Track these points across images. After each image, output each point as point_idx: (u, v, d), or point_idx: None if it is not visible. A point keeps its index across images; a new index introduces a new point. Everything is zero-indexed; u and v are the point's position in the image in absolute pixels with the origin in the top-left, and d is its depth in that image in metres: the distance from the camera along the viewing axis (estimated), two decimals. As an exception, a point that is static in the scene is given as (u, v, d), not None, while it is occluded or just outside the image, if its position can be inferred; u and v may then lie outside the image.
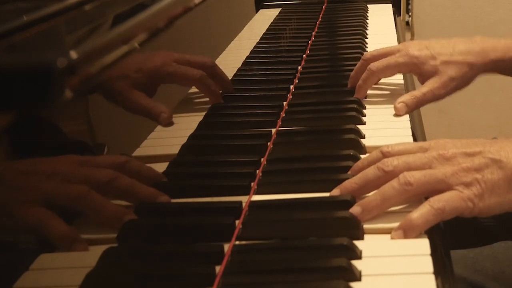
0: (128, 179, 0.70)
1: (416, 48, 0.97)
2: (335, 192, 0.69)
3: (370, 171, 0.68)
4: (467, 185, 0.64)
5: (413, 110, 0.93)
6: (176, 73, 0.98)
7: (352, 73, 1.02)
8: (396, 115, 0.92)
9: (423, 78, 0.97)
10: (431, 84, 0.94)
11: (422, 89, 0.94)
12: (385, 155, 0.70)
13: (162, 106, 0.92)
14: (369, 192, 0.68)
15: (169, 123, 0.92)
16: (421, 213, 0.62)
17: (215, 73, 1.02)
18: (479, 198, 0.64)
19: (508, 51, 0.96)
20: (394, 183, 0.65)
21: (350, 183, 0.69)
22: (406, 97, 0.93)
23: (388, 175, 0.67)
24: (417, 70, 0.97)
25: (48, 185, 0.65)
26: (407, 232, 0.62)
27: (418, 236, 0.62)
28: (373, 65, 0.97)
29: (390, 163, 0.68)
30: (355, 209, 0.65)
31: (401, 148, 0.71)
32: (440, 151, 0.68)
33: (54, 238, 0.63)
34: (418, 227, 0.62)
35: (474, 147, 0.67)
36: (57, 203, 0.65)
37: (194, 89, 1.07)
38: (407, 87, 1.05)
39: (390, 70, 0.98)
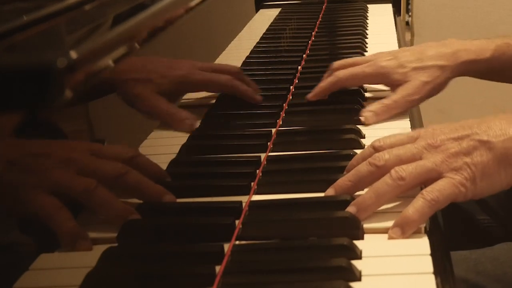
0: (137, 175, 0.70)
1: (384, 59, 0.95)
2: (330, 191, 0.69)
3: (363, 167, 0.68)
4: (458, 170, 0.65)
5: (383, 119, 0.90)
6: (204, 80, 0.98)
7: (321, 84, 0.98)
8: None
9: (393, 88, 0.94)
10: (402, 91, 0.91)
11: (393, 97, 0.91)
12: (376, 149, 0.71)
13: (185, 112, 0.91)
14: (363, 188, 0.68)
15: (192, 129, 0.91)
16: (415, 208, 0.62)
17: (241, 79, 1.00)
18: (471, 181, 0.64)
19: (481, 52, 0.94)
20: (386, 179, 0.65)
21: (344, 181, 0.69)
22: (376, 106, 0.90)
23: (381, 170, 0.67)
24: (385, 81, 0.95)
25: (57, 173, 0.65)
26: (404, 228, 0.62)
27: (418, 235, 0.62)
28: (340, 72, 0.95)
29: (381, 158, 0.68)
30: (350, 209, 0.65)
31: (392, 141, 0.71)
32: (428, 140, 0.68)
33: (59, 231, 0.63)
34: (415, 222, 0.62)
35: (461, 131, 0.68)
36: (64, 193, 0.65)
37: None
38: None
39: (356, 80, 0.97)
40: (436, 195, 0.63)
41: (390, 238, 0.62)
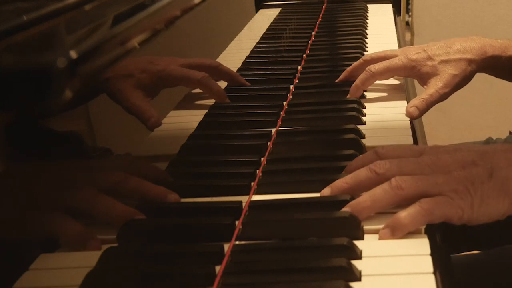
0: (136, 180, 0.70)
1: (413, 52, 0.99)
2: (326, 191, 0.69)
3: (362, 172, 0.68)
4: (458, 193, 0.64)
5: (424, 113, 0.93)
6: (179, 75, 1.00)
7: (349, 68, 1.04)
8: (410, 116, 0.92)
9: (423, 80, 0.98)
10: (434, 85, 0.95)
11: (427, 91, 0.95)
12: (379, 156, 0.70)
13: (153, 110, 0.93)
14: (360, 192, 0.67)
15: (156, 127, 0.93)
16: (409, 213, 0.62)
17: (221, 72, 1.04)
18: (469, 206, 0.63)
19: (505, 49, 0.97)
20: (385, 186, 0.65)
21: (342, 182, 0.69)
22: (416, 101, 0.93)
23: (380, 178, 0.66)
24: (415, 73, 0.99)
25: (59, 192, 0.66)
26: (394, 230, 0.61)
27: (418, 236, 0.62)
28: (373, 67, 0.99)
29: (382, 166, 0.67)
30: (345, 210, 0.65)
31: (395, 151, 0.71)
32: (432, 158, 0.67)
33: (68, 239, 0.64)
34: (406, 226, 0.62)
35: (467, 156, 0.67)
36: (67, 208, 0.65)
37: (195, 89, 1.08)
38: (407, 87, 1.05)
39: (389, 73, 1.00)
40: (433, 207, 0.62)
41: (380, 238, 0.62)
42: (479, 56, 0.97)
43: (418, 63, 0.98)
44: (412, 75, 1.01)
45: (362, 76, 0.99)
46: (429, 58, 0.97)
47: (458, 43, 0.98)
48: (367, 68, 0.99)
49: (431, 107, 0.94)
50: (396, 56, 1.00)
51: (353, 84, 0.99)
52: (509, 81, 1.03)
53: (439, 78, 0.95)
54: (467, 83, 0.98)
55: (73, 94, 0.59)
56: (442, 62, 0.96)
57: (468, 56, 0.96)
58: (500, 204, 0.65)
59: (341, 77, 1.06)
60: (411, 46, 1.04)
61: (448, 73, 0.95)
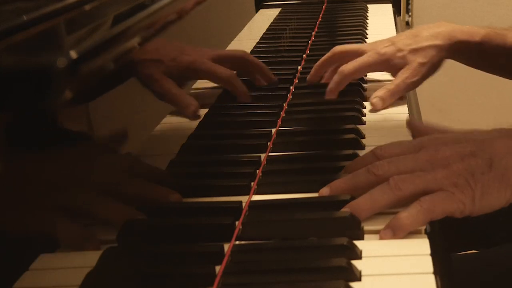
0: (137, 182, 0.70)
1: (383, 46, 0.99)
2: (325, 191, 0.69)
3: (361, 174, 0.68)
4: (458, 187, 0.63)
5: (388, 103, 0.94)
6: (207, 70, 1.00)
7: (318, 63, 1.04)
8: (373, 110, 0.93)
9: (395, 73, 0.98)
10: (402, 74, 0.95)
11: (394, 81, 0.96)
12: (377, 156, 0.70)
13: (191, 98, 0.93)
14: (358, 193, 0.67)
15: (196, 116, 0.93)
16: (410, 213, 0.62)
17: (249, 63, 1.04)
18: (470, 199, 0.63)
19: (473, 35, 0.97)
20: (384, 187, 0.65)
21: (340, 183, 0.69)
22: (381, 92, 0.94)
23: (379, 179, 0.66)
24: (387, 67, 0.99)
25: (59, 192, 0.66)
26: (396, 231, 0.61)
27: (418, 236, 0.62)
28: (345, 68, 0.97)
29: (381, 167, 0.67)
30: (345, 210, 0.65)
31: (393, 150, 0.70)
32: (431, 152, 0.67)
33: (65, 240, 0.64)
34: (407, 226, 0.61)
35: (466, 147, 0.66)
36: (66, 208, 0.65)
37: (195, 87, 1.08)
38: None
39: (361, 71, 1.00)
40: (433, 205, 0.62)
41: (381, 238, 0.62)
42: (448, 41, 0.96)
43: (388, 57, 0.98)
44: (384, 70, 1.01)
45: (335, 79, 0.98)
46: (399, 50, 0.97)
47: (426, 30, 0.98)
48: (339, 70, 0.98)
49: (396, 98, 0.94)
50: (365, 52, 0.99)
51: (328, 89, 0.98)
52: (476, 68, 1.03)
53: (407, 68, 0.96)
54: (437, 69, 0.98)
55: (73, 94, 0.59)
56: (411, 52, 0.96)
57: (437, 42, 0.96)
58: (501, 194, 0.64)
59: (312, 72, 1.05)
60: (380, 40, 1.03)
61: (416, 62, 0.95)
